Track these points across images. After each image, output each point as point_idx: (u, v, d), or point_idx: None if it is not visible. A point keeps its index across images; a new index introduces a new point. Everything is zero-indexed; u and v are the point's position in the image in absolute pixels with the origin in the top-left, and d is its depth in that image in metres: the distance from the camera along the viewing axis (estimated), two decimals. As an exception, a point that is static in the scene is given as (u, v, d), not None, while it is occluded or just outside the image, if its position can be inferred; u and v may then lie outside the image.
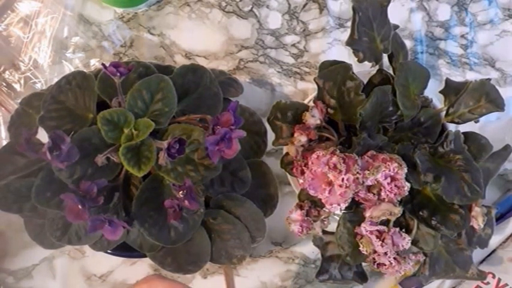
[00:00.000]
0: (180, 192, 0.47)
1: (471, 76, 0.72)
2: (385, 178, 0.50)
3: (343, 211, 0.51)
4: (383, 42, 0.55)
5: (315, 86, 0.56)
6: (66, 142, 0.44)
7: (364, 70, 0.58)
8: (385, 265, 0.51)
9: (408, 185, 0.51)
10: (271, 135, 0.58)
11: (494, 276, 0.65)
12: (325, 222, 0.55)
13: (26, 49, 0.70)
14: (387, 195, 0.51)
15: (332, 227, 0.55)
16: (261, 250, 0.71)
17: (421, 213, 0.53)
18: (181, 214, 0.49)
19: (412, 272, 0.56)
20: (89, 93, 0.51)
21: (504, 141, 0.59)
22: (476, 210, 0.53)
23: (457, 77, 0.72)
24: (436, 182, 0.50)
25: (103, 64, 0.48)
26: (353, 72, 0.53)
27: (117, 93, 0.49)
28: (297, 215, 0.53)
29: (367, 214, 0.51)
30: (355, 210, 0.54)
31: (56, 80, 0.54)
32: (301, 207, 0.53)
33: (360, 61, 0.54)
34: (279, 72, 0.72)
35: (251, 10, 0.72)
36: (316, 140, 0.55)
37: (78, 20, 0.72)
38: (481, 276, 0.58)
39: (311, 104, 0.56)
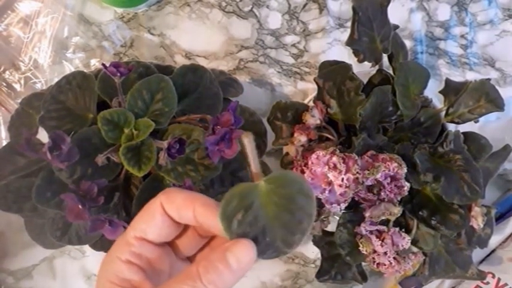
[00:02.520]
0: (180, 192, 0.47)
1: (471, 76, 0.72)
2: (385, 178, 0.50)
3: (343, 211, 0.51)
4: (383, 42, 0.55)
5: (315, 86, 0.56)
6: (66, 142, 0.44)
7: (364, 70, 0.58)
8: (384, 265, 0.51)
9: (408, 185, 0.51)
10: (271, 135, 0.58)
11: (494, 276, 0.65)
12: (325, 222, 0.55)
13: (26, 49, 0.70)
14: (387, 195, 0.51)
15: (332, 227, 0.55)
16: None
17: (420, 213, 0.53)
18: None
19: (412, 272, 0.56)
20: (89, 93, 0.51)
21: (504, 141, 0.59)
22: (476, 210, 0.53)
23: (457, 77, 0.72)
24: (436, 182, 0.50)
25: (103, 64, 0.48)
26: (353, 72, 0.53)
27: (117, 93, 0.49)
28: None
29: (367, 214, 0.51)
30: (355, 210, 0.54)
31: (56, 80, 0.54)
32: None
33: (360, 61, 0.54)
34: (279, 72, 0.72)
35: (251, 10, 0.72)
36: (316, 140, 0.55)
37: (79, 20, 0.72)
38: (481, 276, 0.58)
39: (311, 104, 0.56)
